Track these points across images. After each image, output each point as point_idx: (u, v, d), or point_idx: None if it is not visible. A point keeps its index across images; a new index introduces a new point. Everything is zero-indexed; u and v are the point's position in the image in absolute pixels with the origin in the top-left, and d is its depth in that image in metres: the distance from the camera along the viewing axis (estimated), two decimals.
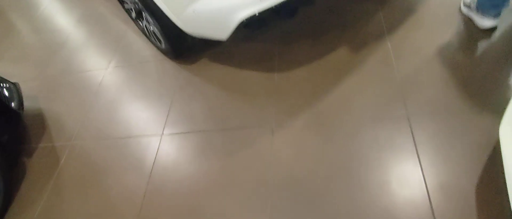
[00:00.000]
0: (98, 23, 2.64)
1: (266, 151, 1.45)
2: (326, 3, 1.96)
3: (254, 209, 1.30)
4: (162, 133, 1.67)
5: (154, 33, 1.82)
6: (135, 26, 2.23)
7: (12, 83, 1.93)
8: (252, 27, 1.42)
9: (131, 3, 1.80)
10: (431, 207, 1.14)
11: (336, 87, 1.60)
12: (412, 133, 1.34)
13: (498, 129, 1.04)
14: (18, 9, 3.45)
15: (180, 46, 1.82)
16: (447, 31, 1.66)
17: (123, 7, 2.02)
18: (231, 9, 1.29)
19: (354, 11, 1.91)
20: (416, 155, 1.27)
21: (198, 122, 1.67)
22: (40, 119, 2.02)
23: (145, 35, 2.05)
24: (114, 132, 1.78)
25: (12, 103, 1.82)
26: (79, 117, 1.93)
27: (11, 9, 3.54)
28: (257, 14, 1.35)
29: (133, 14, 1.95)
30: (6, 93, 1.85)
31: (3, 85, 1.89)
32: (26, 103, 2.06)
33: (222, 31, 1.42)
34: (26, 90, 2.20)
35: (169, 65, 1.97)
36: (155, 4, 1.47)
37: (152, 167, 1.56)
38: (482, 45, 1.55)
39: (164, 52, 1.99)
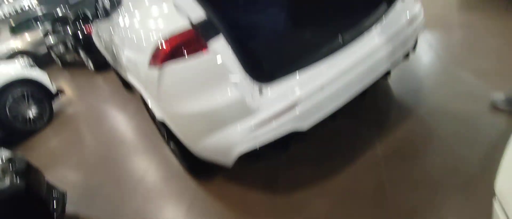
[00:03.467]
0: (143, 138, 3.12)
1: None
2: (322, 134, 2.18)
3: None
4: None
5: (178, 154, 2.14)
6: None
7: (61, 191, 2.30)
8: (252, 158, 1.66)
9: (162, 130, 2.20)
10: None
11: (331, 214, 1.68)
12: None
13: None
14: (89, 120, 4.20)
15: (197, 167, 2.10)
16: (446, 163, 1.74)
17: (160, 132, 2.45)
18: (230, 146, 1.57)
19: (352, 138, 2.10)
20: None
21: None
22: None
23: (173, 154, 2.40)
24: None
25: (56, 209, 2.15)
26: None
27: (84, 120, 4.31)
28: (258, 148, 1.60)
29: (165, 138, 2.34)
30: (54, 201, 2.20)
31: (54, 192, 2.27)
32: (68, 206, 2.40)
33: (226, 160, 1.67)
34: (70, 194, 2.57)
35: (189, 182, 2.24)
36: (176, 135, 1.82)
37: None
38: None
39: (186, 170, 2.28)
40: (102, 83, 5.67)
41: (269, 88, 1.54)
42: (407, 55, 2.08)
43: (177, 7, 1.49)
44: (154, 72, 1.57)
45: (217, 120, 1.53)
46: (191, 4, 1.51)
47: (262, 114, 1.51)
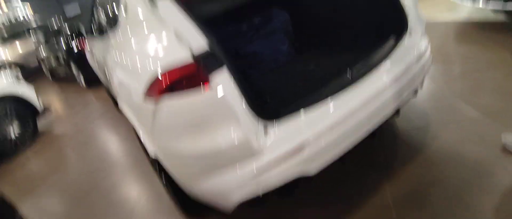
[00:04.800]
0: (134, 165, 2.92)
1: None
2: (329, 175, 2.03)
3: None
4: None
5: (171, 191, 1.97)
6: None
7: None
8: (253, 204, 1.50)
9: (155, 165, 2.03)
10: None
11: None
12: None
13: None
14: (76, 142, 3.93)
15: (190, 206, 1.92)
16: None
17: (151, 164, 2.27)
18: (230, 191, 1.41)
19: (360, 180, 1.96)
20: None
21: None
22: None
23: (166, 189, 2.22)
24: None
25: None
26: None
27: (70, 141, 4.04)
28: (261, 196, 1.45)
29: (157, 168, 2.17)
30: None
31: None
32: None
33: (225, 206, 1.51)
34: None
35: None
36: (170, 173, 1.65)
37: None
38: None
39: (178, 208, 2.09)
40: (93, 100, 5.47)
41: (275, 127, 1.41)
42: (415, 92, 1.99)
43: (178, 36, 1.37)
44: (150, 104, 1.43)
45: (217, 161, 1.38)
46: (193, 33, 1.39)
47: (267, 157, 1.37)
